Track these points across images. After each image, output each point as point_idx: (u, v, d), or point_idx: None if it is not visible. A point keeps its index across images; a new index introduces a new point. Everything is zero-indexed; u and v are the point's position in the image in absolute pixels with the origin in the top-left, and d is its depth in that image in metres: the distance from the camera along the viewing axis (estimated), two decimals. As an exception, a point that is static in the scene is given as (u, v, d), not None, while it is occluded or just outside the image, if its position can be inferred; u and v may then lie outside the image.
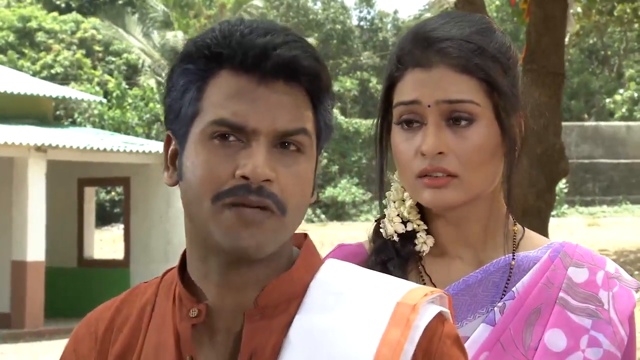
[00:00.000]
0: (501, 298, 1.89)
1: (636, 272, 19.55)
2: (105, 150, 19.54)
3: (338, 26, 47.22)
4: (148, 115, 36.91)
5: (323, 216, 38.22)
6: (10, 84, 21.14)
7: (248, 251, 1.50)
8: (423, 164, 1.86)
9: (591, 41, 42.83)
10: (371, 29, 50.22)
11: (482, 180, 1.88)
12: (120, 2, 47.51)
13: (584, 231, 28.90)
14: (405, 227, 1.95)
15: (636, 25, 25.45)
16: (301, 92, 1.53)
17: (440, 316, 1.55)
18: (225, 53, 1.52)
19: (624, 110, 41.86)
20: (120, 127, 35.43)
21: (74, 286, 20.62)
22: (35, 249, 18.54)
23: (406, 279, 1.77)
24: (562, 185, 34.33)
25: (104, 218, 37.08)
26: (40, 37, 44.20)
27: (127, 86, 39.23)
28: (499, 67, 1.89)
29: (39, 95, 21.18)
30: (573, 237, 23.67)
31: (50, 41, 44.15)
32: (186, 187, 1.54)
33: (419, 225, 1.95)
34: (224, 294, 1.55)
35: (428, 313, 1.53)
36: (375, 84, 43.95)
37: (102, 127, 34.51)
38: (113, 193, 37.63)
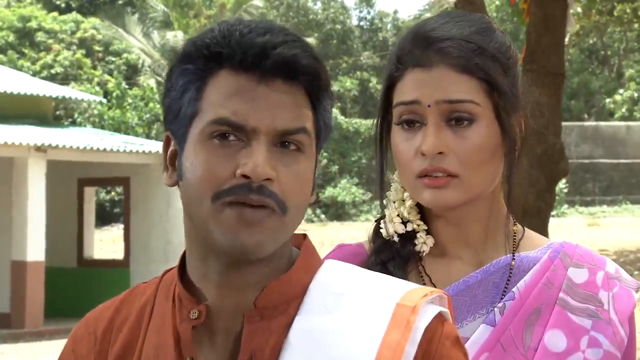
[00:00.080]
0: (501, 299, 1.89)
1: (636, 272, 19.55)
2: (105, 150, 19.54)
3: (338, 26, 47.22)
4: (148, 115, 36.91)
5: (323, 216, 38.22)
6: (10, 84, 21.14)
7: (248, 250, 1.49)
8: (423, 164, 1.86)
9: (591, 41, 42.84)
10: (371, 29, 50.23)
11: (482, 180, 1.88)
12: (120, 2, 47.52)
13: (584, 231, 28.90)
14: (405, 227, 1.95)
15: (636, 25, 25.46)
16: (300, 91, 1.53)
17: (440, 317, 1.55)
18: (224, 53, 1.52)
19: (624, 110, 41.87)
20: (120, 127, 35.44)
21: (74, 286, 20.62)
22: (35, 249, 18.54)
23: (406, 279, 1.77)
24: (562, 185, 34.34)
25: (104, 218, 37.08)
26: (40, 37, 44.21)
27: (127, 86, 39.23)
28: (499, 66, 1.88)
29: (39, 95, 21.17)
30: (573, 237, 23.66)
31: (50, 41, 44.15)
32: (186, 187, 1.54)
33: (418, 225, 1.95)
34: (223, 294, 1.54)
35: (428, 314, 1.53)
36: (375, 84, 43.95)
37: (102, 127, 34.51)
38: (113, 193, 37.63)
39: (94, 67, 44.02)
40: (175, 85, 1.55)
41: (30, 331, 18.36)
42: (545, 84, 6.37)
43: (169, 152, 1.58)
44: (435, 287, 1.85)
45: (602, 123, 38.92)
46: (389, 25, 50.63)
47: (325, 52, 45.16)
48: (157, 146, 20.26)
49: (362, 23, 50.87)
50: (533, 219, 6.14)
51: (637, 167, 36.48)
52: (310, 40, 40.98)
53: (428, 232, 1.95)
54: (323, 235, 29.46)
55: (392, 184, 1.99)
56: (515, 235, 1.97)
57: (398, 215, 1.96)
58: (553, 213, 21.36)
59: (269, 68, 1.50)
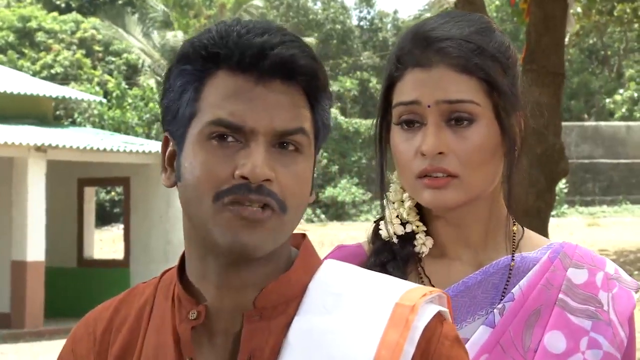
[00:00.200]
0: (501, 300, 1.89)
1: (636, 272, 19.55)
2: (105, 150, 19.54)
3: (338, 26, 47.23)
4: (148, 115, 36.91)
5: (323, 216, 38.22)
6: (10, 84, 21.14)
7: (247, 249, 1.49)
8: (423, 164, 1.86)
9: (591, 41, 42.85)
10: (371, 29, 50.24)
11: (482, 180, 1.88)
12: (120, 2, 47.53)
13: (584, 231, 28.90)
14: (405, 228, 1.95)
15: (636, 25, 25.46)
16: (298, 92, 1.53)
17: (439, 316, 1.55)
18: (222, 53, 1.52)
19: (624, 110, 41.87)
20: (120, 127, 35.44)
21: (74, 286, 20.61)
22: (35, 249, 18.54)
23: (406, 280, 1.76)
24: (562, 185, 34.34)
25: (104, 218, 37.09)
26: (40, 37, 44.21)
27: (127, 86, 39.23)
28: (498, 66, 1.88)
29: (39, 95, 21.17)
30: (573, 237, 23.68)
31: (50, 41, 44.16)
32: (185, 187, 1.53)
33: (418, 226, 1.95)
34: (223, 294, 1.54)
35: (427, 313, 1.53)
36: (375, 84, 43.95)
37: (102, 127, 34.51)
38: (113, 193, 37.64)
39: (94, 67, 44.03)
40: (174, 86, 1.55)
41: (30, 331, 18.35)
42: (545, 84, 6.37)
43: (167, 153, 1.58)
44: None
45: (602, 123, 38.92)
46: (389, 25, 50.64)
47: (325, 52, 45.16)
48: (157, 146, 20.24)
49: (362, 23, 50.90)
50: (533, 219, 6.14)
51: (637, 167, 36.49)
52: (310, 40, 41.02)
53: (427, 232, 1.95)
54: (323, 235, 29.47)
55: (391, 185, 1.99)
56: (514, 236, 1.96)
57: (397, 216, 1.96)
58: (553, 213, 21.36)
59: (267, 68, 1.50)
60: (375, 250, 1.95)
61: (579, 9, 20.41)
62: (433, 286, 1.88)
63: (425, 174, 1.86)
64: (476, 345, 1.85)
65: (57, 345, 16.47)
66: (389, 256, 1.93)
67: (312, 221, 36.63)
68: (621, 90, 43.31)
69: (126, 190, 20.86)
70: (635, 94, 42.10)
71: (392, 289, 1.56)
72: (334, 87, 42.66)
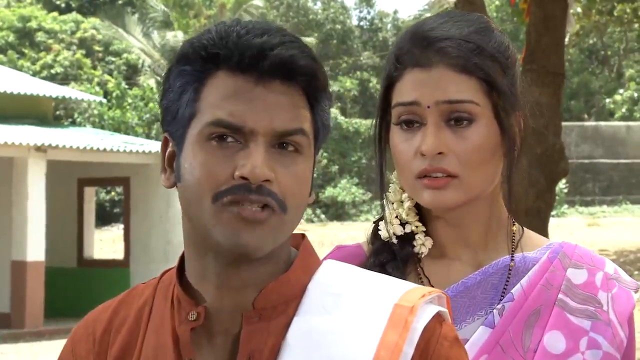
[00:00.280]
0: (500, 300, 1.89)
1: (636, 272, 19.55)
2: (105, 150, 19.54)
3: (338, 26, 47.23)
4: (148, 115, 36.91)
5: (323, 216, 38.22)
6: (10, 84, 21.13)
7: (247, 249, 1.49)
8: (423, 164, 1.86)
9: (591, 41, 42.86)
10: (371, 29, 50.24)
11: (482, 180, 1.88)
12: (120, 2, 47.53)
13: (584, 231, 28.91)
14: (404, 229, 1.95)
15: (636, 25, 25.46)
16: (298, 92, 1.53)
17: (438, 317, 1.54)
18: (222, 54, 1.51)
19: (624, 110, 41.88)
20: (120, 127, 35.44)
21: (74, 286, 20.61)
22: (35, 249, 18.54)
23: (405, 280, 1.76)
24: (562, 185, 34.35)
25: (104, 218, 37.10)
26: (40, 37, 44.21)
27: (127, 86, 39.24)
28: (498, 66, 1.88)
29: (39, 95, 21.17)
30: (573, 237, 23.69)
31: (50, 41, 44.16)
32: (184, 188, 1.53)
33: (417, 227, 1.94)
34: (222, 295, 1.54)
35: (426, 314, 1.53)
36: (375, 84, 43.95)
37: (102, 127, 34.52)
38: (113, 193, 37.64)
39: (94, 67, 44.03)
40: (173, 87, 1.55)
41: (30, 331, 18.35)
42: (545, 84, 6.38)
43: (167, 154, 1.58)
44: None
45: (602, 123, 38.93)
46: (389, 25, 50.64)
47: (325, 52, 45.17)
48: (157, 146, 20.23)
49: (362, 23, 50.90)
50: (533, 219, 6.14)
51: (637, 167, 36.49)
52: (310, 40, 41.02)
53: (427, 233, 1.95)
54: (323, 235, 29.48)
55: (390, 185, 1.98)
56: (514, 236, 1.96)
57: (396, 216, 1.96)
58: (553, 213, 21.37)
59: (267, 69, 1.50)
60: (375, 251, 1.95)
61: (579, 9, 20.42)
62: (432, 286, 1.88)
63: (424, 174, 1.86)
64: (476, 346, 1.85)
65: (57, 345, 16.48)
66: (389, 256, 1.93)
67: (312, 221, 36.64)
68: (621, 90, 43.31)
69: (126, 190, 20.86)
70: (635, 94, 42.11)
71: (391, 289, 1.56)
72: (334, 87, 42.68)
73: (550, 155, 6.37)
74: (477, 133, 1.86)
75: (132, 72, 44.28)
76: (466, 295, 1.89)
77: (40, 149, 18.51)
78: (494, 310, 1.87)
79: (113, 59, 45.04)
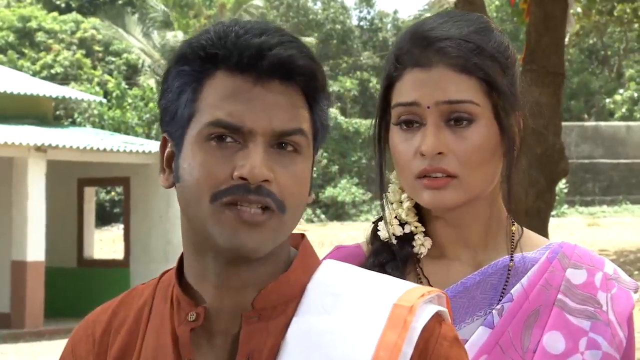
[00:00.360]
0: (499, 300, 1.89)
1: (636, 272, 19.56)
2: (105, 150, 19.54)
3: (338, 26, 47.23)
4: (148, 115, 36.91)
5: (323, 216, 38.22)
6: (10, 84, 21.13)
7: (247, 250, 1.49)
8: (422, 165, 1.85)
9: (591, 41, 42.86)
10: (371, 29, 50.24)
11: (481, 180, 1.88)
12: (120, 2, 47.53)
13: (583, 231, 28.91)
14: (403, 229, 1.95)
15: (636, 25, 25.47)
16: (297, 92, 1.53)
17: (437, 316, 1.54)
18: (220, 54, 1.51)
19: (624, 110, 41.88)
20: (120, 127, 35.44)
21: (74, 286, 20.62)
22: (35, 249, 18.54)
23: (404, 280, 1.76)
24: (562, 185, 34.35)
25: (104, 218, 37.10)
26: (40, 37, 44.21)
27: (127, 86, 39.24)
28: (497, 66, 1.88)
29: (39, 95, 21.17)
30: (573, 237, 23.69)
31: (50, 41, 44.16)
32: (183, 188, 1.53)
33: (416, 227, 1.94)
34: (222, 295, 1.54)
35: (425, 314, 1.53)
36: (375, 84, 43.95)
37: (102, 127, 34.52)
38: (113, 193, 37.64)
39: (94, 67, 44.03)
40: (172, 87, 1.55)
41: (30, 331, 18.35)
42: (545, 84, 6.37)
43: (165, 154, 1.58)
44: (432, 288, 1.84)
45: (602, 123, 38.93)
46: (389, 25, 50.64)
47: (325, 52, 45.17)
48: (157, 146, 20.18)
49: (362, 23, 50.90)
50: (533, 219, 6.14)
51: (637, 167, 36.49)
52: (310, 40, 41.02)
53: (426, 233, 1.95)
54: (323, 235, 29.48)
55: (389, 185, 1.98)
56: (513, 236, 1.96)
57: (396, 217, 1.95)
58: (553, 213, 21.36)
59: (265, 69, 1.50)
60: (374, 251, 1.95)
61: (579, 9, 20.43)
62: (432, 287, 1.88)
63: (424, 174, 1.86)
64: (475, 346, 1.85)
65: (57, 345, 16.49)
66: (388, 257, 1.93)
67: (312, 221, 36.64)
68: (621, 90, 43.32)
69: (126, 190, 20.86)
70: (635, 94, 42.11)
71: (390, 289, 1.56)
72: (334, 87, 42.69)
73: (550, 155, 6.37)
74: (476, 133, 1.85)
75: (132, 72, 44.28)
76: (465, 296, 1.89)
77: (40, 149, 18.51)
78: (493, 311, 1.87)
79: (113, 59, 45.04)
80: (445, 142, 1.85)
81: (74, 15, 46.22)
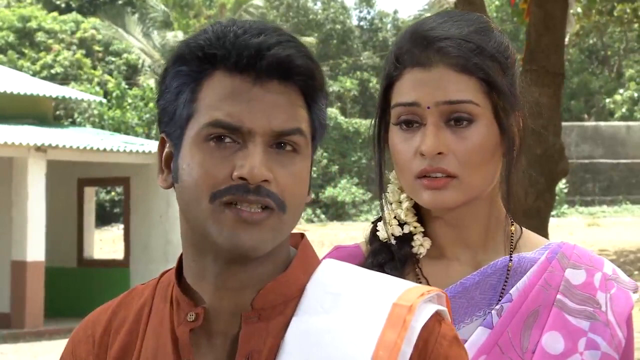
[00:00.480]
0: (498, 300, 1.88)
1: (636, 272, 19.56)
2: (105, 150, 19.54)
3: (338, 26, 47.23)
4: (148, 115, 36.91)
5: (323, 216, 38.22)
6: (10, 84, 21.13)
7: (246, 249, 1.49)
8: (422, 164, 1.85)
9: (591, 41, 42.87)
10: (371, 29, 50.24)
11: (481, 180, 1.88)
12: (120, 2, 47.52)
13: (584, 231, 28.92)
14: (402, 229, 1.94)
15: (636, 25, 25.46)
16: (295, 92, 1.53)
17: (437, 316, 1.54)
18: (219, 54, 1.51)
19: (624, 110, 41.88)
20: (120, 127, 35.44)
21: (74, 286, 20.62)
22: (35, 249, 18.54)
23: (403, 281, 1.76)
24: (562, 185, 34.35)
25: (104, 218, 37.09)
26: (40, 37, 44.20)
27: (127, 86, 39.24)
28: (497, 66, 1.88)
29: (39, 95, 21.17)
30: (573, 237, 23.70)
31: (50, 41, 44.15)
32: (182, 189, 1.53)
33: (415, 227, 1.94)
34: (221, 295, 1.54)
35: (425, 313, 1.53)
36: (375, 84, 43.94)
37: (102, 127, 34.52)
38: (113, 193, 37.64)
39: (94, 67, 44.02)
40: (170, 87, 1.55)
41: (30, 331, 18.36)
42: (545, 84, 6.38)
43: (164, 155, 1.58)
44: (432, 288, 1.84)
45: (602, 123, 38.93)
46: (389, 25, 50.64)
47: (325, 52, 45.17)
48: (157, 146, 20.20)
49: (362, 23, 50.90)
50: (533, 219, 6.14)
51: (637, 167, 36.49)
52: (310, 40, 41.00)
53: (425, 233, 1.95)
54: (323, 235, 29.49)
55: (389, 185, 1.98)
56: (512, 236, 1.96)
57: (395, 217, 1.95)
58: (553, 213, 21.37)
59: (264, 69, 1.50)
60: (373, 251, 1.95)
61: (579, 9, 20.44)
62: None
63: (424, 174, 1.86)
64: (474, 347, 1.85)
65: (57, 345, 16.49)
66: (387, 257, 1.93)
67: (312, 221, 36.64)
68: (621, 90, 43.32)
69: (126, 190, 20.86)
70: (635, 94, 42.11)
71: (390, 288, 1.56)
72: (334, 87, 42.69)
73: (550, 155, 6.37)
74: (476, 133, 1.85)
75: (132, 72, 44.28)
76: (465, 296, 1.89)
77: (40, 149, 18.51)
78: (493, 311, 1.87)
79: (113, 59, 45.03)
80: (445, 142, 1.84)
81: (74, 15, 46.21)
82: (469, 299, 1.89)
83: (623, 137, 36.97)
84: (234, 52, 1.50)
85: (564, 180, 32.85)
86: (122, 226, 26.36)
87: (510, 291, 1.88)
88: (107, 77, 42.72)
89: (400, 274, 1.89)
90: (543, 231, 6.05)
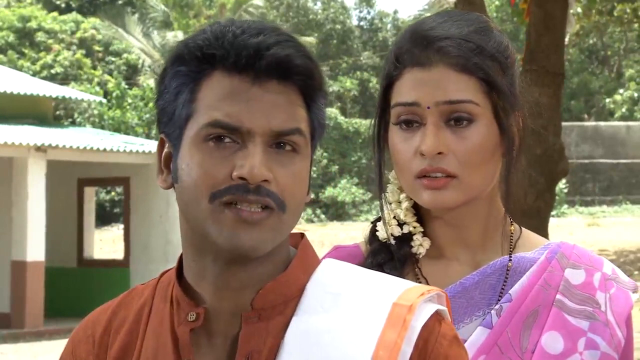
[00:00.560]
0: (498, 300, 1.88)
1: (636, 272, 19.56)
2: (105, 150, 19.54)
3: (338, 26, 47.23)
4: (148, 115, 36.91)
5: (323, 216, 38.22)
6: (10, 84, 21.13)
7: (246, 249, 1.49)
8: (422, 164, 1.85)
9: (591, 41, 42.87)
10: (371, 29, 50.24)
11: (481, 180, 1.88)
12: (120, 2, 47.52)
13: (583, 231, 28.92)
14: (402, 229, 1.94)
15: (636, 25, 25.46)
16: (294, 92, 1.53)
17: (437, 315, 1.54)
18: (218, 54, 1.51)
19: (623, 110, 41.88)
20: (120, 127, 35.44)
21: (74, 286, 20.62)
22: (35, 249, 18.54)
23: (403, 281, 1.76)
24: (562, 185, 34.35)
25: (104, 218, 37.09)
26: (40, 37, 44.20)
27: (127, 86, 39.23)
28: (497, 66, 1.88)
29: (38, 95, 21.17)
30: (573, 237, 23.70)
31: (50, 41, 44.15)
32: (182, 189, 1.53)
33: (415, 227, 1.94)
34: (221, 295, 1.54)
35: (424, 313, 1.53)
36: (375, 84, 43.92)
37: (102, 127, 34.52)
38: (113, 193, 37.64)
39: (94, 67, 44.02)
40: (169, 88, 1.55)
41: (30, 331, 18.36)
42: (545, 84, 6.37)
43: (163, 155, 1.58)
44: (432, 288, 1.84)
45: (602, 123, 38.93)
46: (389, 25, 50.63)
47: (325, 52, 45.17)
48: (156, 146, 20.20)
49: (362, 23, 50.90)
50: (533, 219, 6.13)
51: (637, 167, 36.49)
52: (310, 40, 41.00)
53: (425, 233, 1.94)
54: (323, 235, 29.49)
55: (388, 185, 1.98)
56: (512, 236, 1.96)
57: (394, 217, 1.95)
58: (553, 213, 21.36)
59: (263, 69, 1.50)
60: (373, 251, 1.94)
61: (579, 9, 20.44)
62: (431, 286, 1.88)
63: (424, 174, 1.86)
64: (474, 347, 1.85)
65: (57, 345, 16.49)
66: (386, 257, 1.93)
67: (312, 221, 36.64)
68: (621, 90, 43.32)
69: (126, 190, 20.86)
70: (635, 94, 42.11)
71: (390, 288, 1.56)
72: (334, 87, 42.68)
73: (550, 155, 6.37)
74: (476, 133, 1.85)
75: (132, 72, 44.27)
76: (464, 296, 1.89)
77: (40, 149, 18.51)
78: (492, 311, 1.87)
79: (113, 59, 45.03)
80: (445, 142, 1.84)
81: (74, 15, 46.21)
82: (468, 299, 1.89)
83: (623, 137, 36.96)
84: (233, 52, 1.50)
85: (564, 180, 32.85)
86: (122, 226, 26.36)
87: (510, 291, 1.88)
88: (107, 77, 42.72)
89: (400, 274, 1.89)
90: (543, 231, 6.05)
